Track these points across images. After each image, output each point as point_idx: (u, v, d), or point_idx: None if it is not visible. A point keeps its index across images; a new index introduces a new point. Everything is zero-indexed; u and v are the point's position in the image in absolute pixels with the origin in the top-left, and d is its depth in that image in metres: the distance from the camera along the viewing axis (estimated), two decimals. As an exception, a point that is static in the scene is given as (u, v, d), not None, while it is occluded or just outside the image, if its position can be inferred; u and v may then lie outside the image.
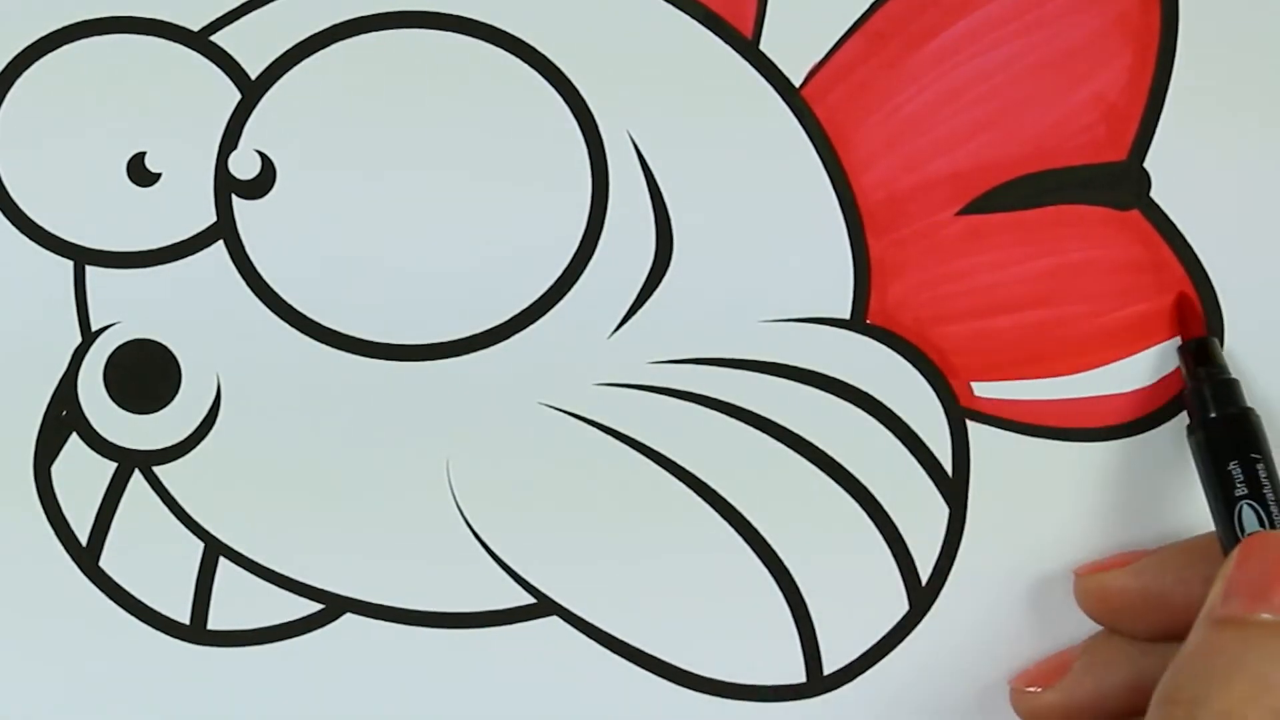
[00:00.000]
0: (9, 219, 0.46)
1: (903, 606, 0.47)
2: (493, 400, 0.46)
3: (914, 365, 0.46)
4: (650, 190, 0.46)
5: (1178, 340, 0.46)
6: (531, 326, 0.46)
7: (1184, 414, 0.46)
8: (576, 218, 0.46)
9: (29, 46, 0.46)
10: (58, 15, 0.46)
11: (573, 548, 0.46)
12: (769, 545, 0.46)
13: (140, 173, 0.46)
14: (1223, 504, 0.42)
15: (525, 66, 0.46)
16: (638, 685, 0.47)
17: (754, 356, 0.47)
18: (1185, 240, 0.46)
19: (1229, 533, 0.42)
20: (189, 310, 0.46)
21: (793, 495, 0.46)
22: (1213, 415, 0.44)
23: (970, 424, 0.47)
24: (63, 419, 0.47)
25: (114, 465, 0.47)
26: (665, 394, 0.47)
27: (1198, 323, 0.46)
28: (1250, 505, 0.42)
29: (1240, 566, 0.39)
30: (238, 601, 0.47)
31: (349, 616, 0.47)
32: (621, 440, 0.47)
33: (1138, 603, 0.44)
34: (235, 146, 0.46)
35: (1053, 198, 0.46)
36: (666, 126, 0.46)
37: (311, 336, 0.46)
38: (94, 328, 0.46)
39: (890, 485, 0.47)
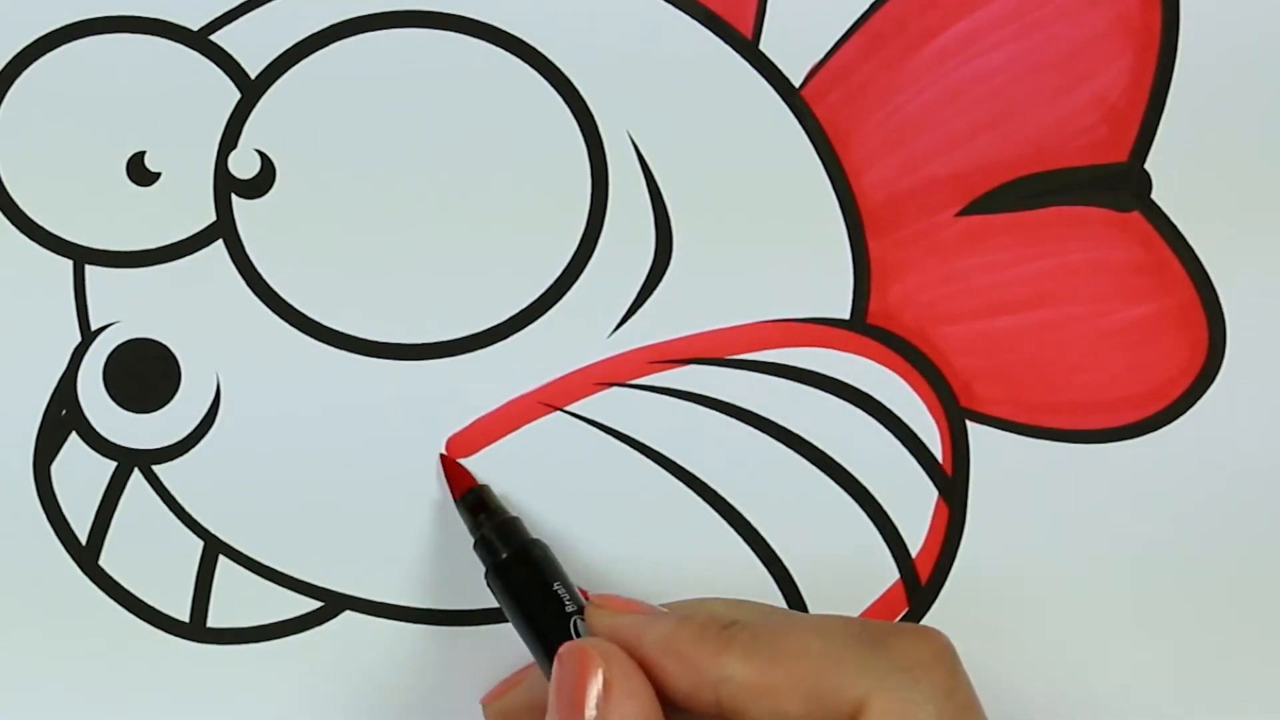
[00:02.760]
0: (9, 219, 0.46)
1: (903, 606, 0.47)
2: (493, 400, 0.46)
3: (914, 365, 0.46)
4: (650, 190, 0.46)
5: (1178, 339, 0.46)
6: (531, 326, 0.46)
7: (1185, 414, 0.46)
8: (576, 218, 0.46)
9: (29, 46, 0.46)
10: (58, 15, 0.46)
11: (573, 547, 0.47)
12: (768, 545, 0.47)
13: (140, 173, 0.46)
14: (551, 624, 0.42)
15: (525, 66, 0.46)
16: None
17: (754, 356, 0.47)
18: (1186, 242, 0.46)
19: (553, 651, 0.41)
20: (189, 310, 0.46)
21: (792, 495, 0.46)
22: (505, 556, 0.44)
23: (970, 424, 0.47)
24: (62, 418, 0.47)
25: (114, 464, 0.47)
26: (665, 394, 0.47)
27: (466, 478, 0.46)
28: (581, 620, 0.42)
29: (556, 679, 0.40)
30: (237, 599, 0.47)
31: (348, 614, 0.47)
32: (621, 440, 0.47)
33: (535, 716, 0.44)
34: (235, 146, 0.46)
35: (1053, 199, 0.46)
36: (666, 126, 0.46)
37: (311, 336, 0.46)
38: (94, 327, 0.46)
39: (890, 485, 0.47)
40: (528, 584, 0.43)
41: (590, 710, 0.39)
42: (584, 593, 0.42)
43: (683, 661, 0.39)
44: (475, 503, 0.45)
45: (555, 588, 0.42)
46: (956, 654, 0.39)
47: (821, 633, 0.39)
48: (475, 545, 0.45)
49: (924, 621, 0.47)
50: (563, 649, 0.40)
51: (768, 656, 0.38)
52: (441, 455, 0.46)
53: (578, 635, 0.41)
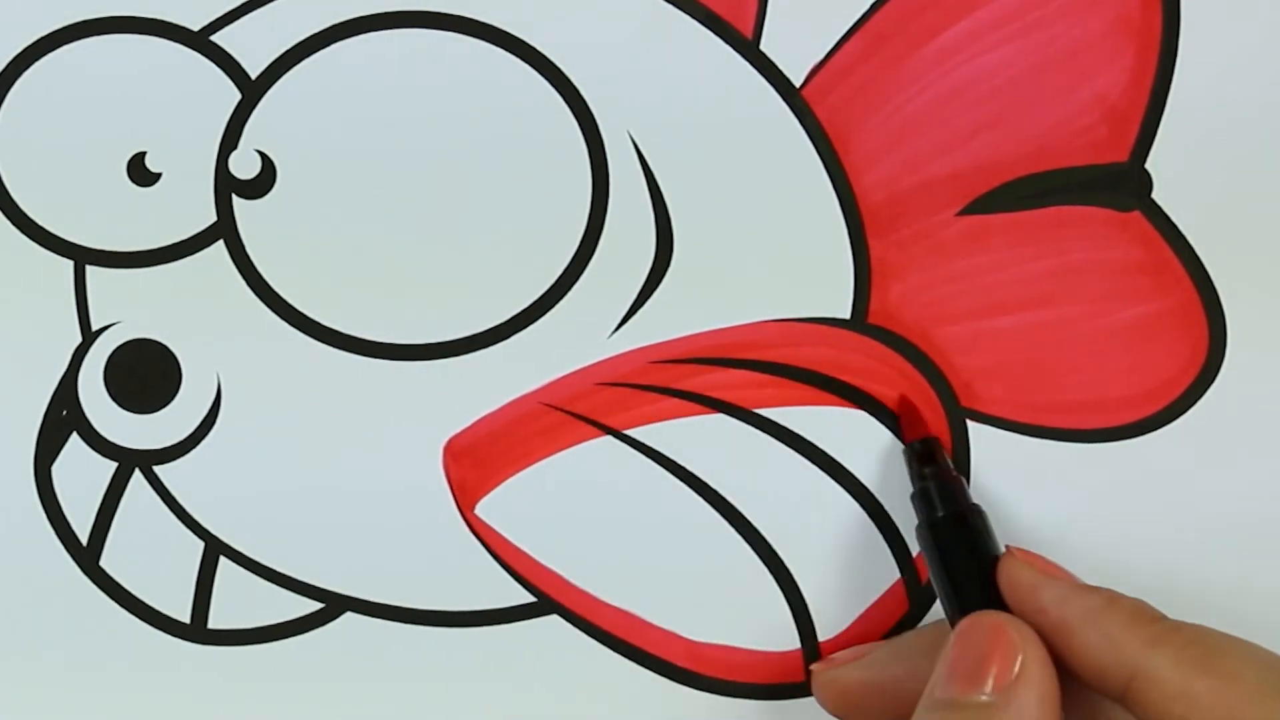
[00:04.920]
0: (9, 219, 0.46)
1: (903, 606, 0.47)
2: (493, 400, 0.46)
3: (914, 365, 0.46)
4: (650, 190, 0.46)
5: (1178, 339, 0.46)
6: (531, 326, 0.46)
7: (1185, 414, 0.46)
8: (576, 218, 0.46)
9: (29, 47, 0.46)
10: (58, 16, 0.46)
11: (573, 547, 0.47)
12: (768, 544, 0.47)
13: (140, 173, 0.46)
14: (974, 593, 0.42)
15: (525, 66, 0.46)
16: (638, 683, 0.47)
17: (753, 356, 0.47)
18: (1187, 242, 0.46)
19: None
20: (189, 310, 0.46)
21: (792, 495, 0.46)
22: (941, 515, 0.44)
23: (970, 424, 0.47)
24: (63, 419, 0.47)
25: (114, 465, 0.47)
26: (665, 394, 0.47)
27: (921, 425, 0.46)
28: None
29: (957, 649, 0.40)
30: (238, 600, 0.47)
31: (349, 615, 0.47)
32: (621, 440, 0.47)
33: (874, 695, 0.44)
34: (235, 146, 0.46)
35: (1054, 198, 0.46)
36: (666, 126, 0.46)
37: (311, 336, 0.46)
38: (94, 328, 0.46)
39: (890, 485, 0.47)
40: (960, 548, 0.43)
41: (987, 688, 0.39)
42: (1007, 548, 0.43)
43: (1108, 641, 0.39)
44: (924, 453, 0.45)
45: (977, 558, 0.42)
46: None
47: (1262, 665, 0.38)
48: (912, 496, 0.45)
49: (923, 623, 0.47)
50: (974, 618, 0.40)
51: (1200, 667, 0.38)
52: (902, 396, 0.46)
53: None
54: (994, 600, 0.42)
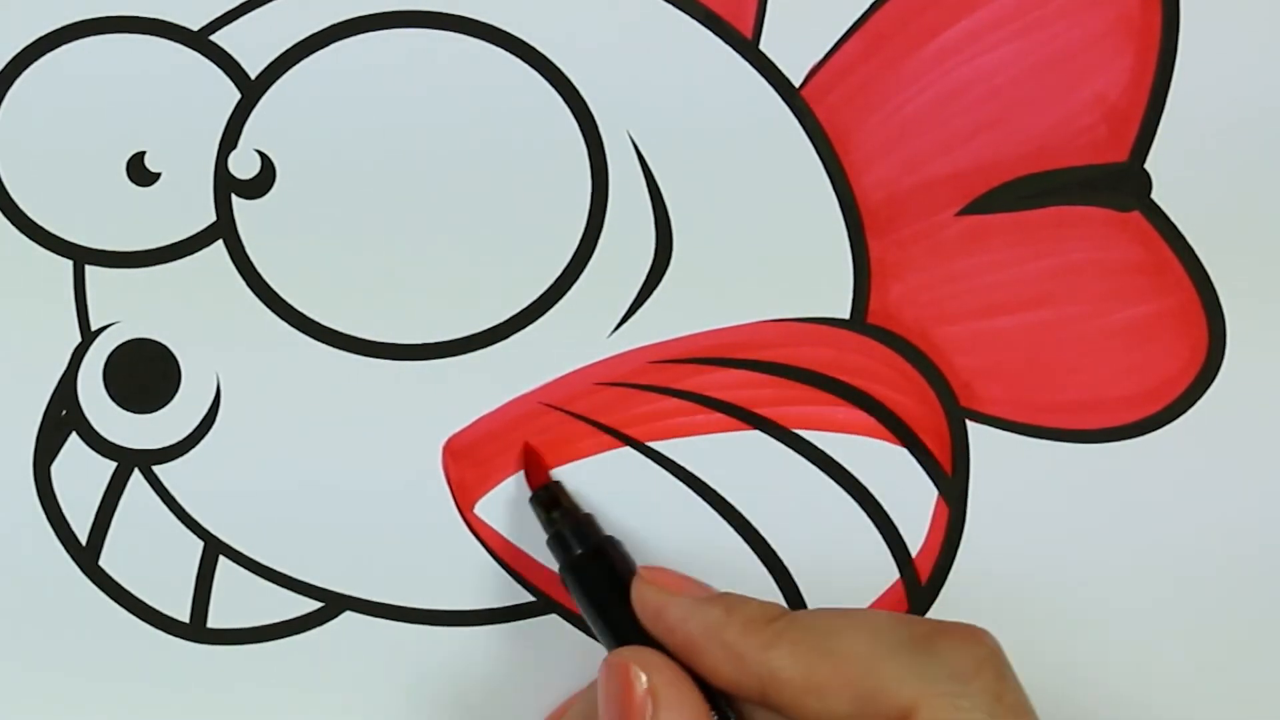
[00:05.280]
0: (9, 219, 0.46)
1: (902, 607, 0.47)
2: (493, 400, 0.46)
3: (914, 365, 0.46)
4: (650, 190, 0.46)
5: (1178, 339, 0.46)
6: (531, 326, 0.46)
7: (1185, 414, 0.46)
8: (576, 218, 0.46)
9: (29, 46, 0.46)
10: (58, 15, 0.46)
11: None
12: (768, 544, 0.47)
13: (140, 173, 0.46)
14: (625, 623, 0.42)
15: (525, 66, 0.46)
16: (638, 683, 0.47)
17: (753, 356, 0.47)
18: (1186, 242, 0.46)
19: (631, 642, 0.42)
20: (189, 310, 0.46)
21: (792, 495, 0.46)
22: (579, 553, 0.44)
23: (970, 424, 0.47)
24: (63, 418, 0.47)
25: (114, 465, 0.47)
26: (665, 393, 0.47)
27: (541, 472, 0.46)
28: None
29: (602, 697, 0.40)
30: (237, 600, 0.47)
31: (348, 614, 0.47)
32: (621, 439, 0.47)
33: None
34: (235, 146, 0.46)
35: (1053, 198, 0.46)
36: (666, 126, 0.46)
37: (311, 336, 0.46)
38: (94, 327, 0.46)
39: (890, 485, 0.47)
40: (601, 581, 0.43)
41: None
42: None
43: (729, 651, 0.39)
44: (549, 499, 0.45)
45: (621, 588, 0.42)
46: (1004, 656, 0.39)
47: (872, 632, 0.39)
48: (548, 541, 0.45)
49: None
50: (606, 660, 0.41)
51: (816, 654, 0.38)
52: (526, 445, 0.46)
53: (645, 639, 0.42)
54: (637, 627, 0.42)
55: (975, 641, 0.39)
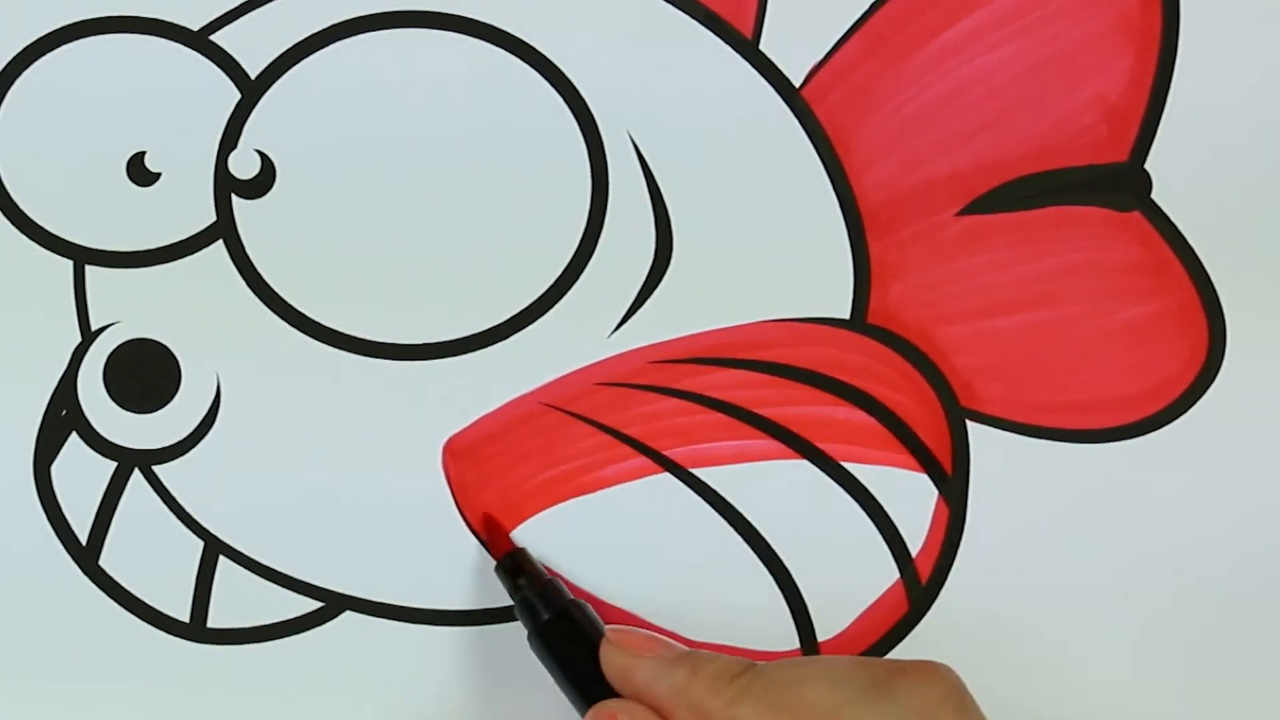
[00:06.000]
0: (9, 219, 0.46)
1: (902, 606, 0.47)
2: (493, 400, 0.46)
3: (914, 365, 0.46)
4: (650, 190, 0.46)
5: (1178, 339, 0.46)
6: (531, 326, 0.46)
7: (1185, 414, 0.46)
8: (576, 218, 0.46)
9: (29, 46, 0.46)
10: (58, 15, 0.46)
11: (573, 547, 0.47)
12: (768, 544, 0.47)
13: (140, 173, 0.46)
14: (594, 686, 0.43)
15: (525, 66, 0.46)
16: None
17: (753, 356, 0.47)
18: (1186, 242, 0.46)
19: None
20: (189, 310, 0.46)
21: (792, 495, 0.46)
22: (546, 619, 0.44)
23: (970, 424, 0.47)
24: (63, 418, 0.47)
25: (114, 465, 0.47)
26: (665, 394, 0.47)
27: (503, 539, 0.46)
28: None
29: None
30: (237, 600, 0.47)
31: (348, 614, 0.47)
32: (622, 439, 0.47)
33: None
34: (235, 146, 0.46)
35: (1053, 199, 0.46)
36: (667, 126, 0.46)
37: (311, 336, 0.46)
38: (94, 327, 0.46)
39: (890, 485, 0.47)
40: (570, 646, 0.44)
41: None
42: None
43: (696, 712, 0.40)
44: (513, 566, 0.45)
45: (590, 651, 0.43)
46: (964, 691, 0.40)
47: (832, 681, 0.40)
48: (515, 608, 0.45)
49: (924, 622, 0.47)
50: (594, 711, 0.42)
51: (779, 708, 0.39)
52: (485, 515, 0.47)
53: None
54: (609, 688, 0.43)
55: (934, 679, 0.40)
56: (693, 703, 0.40)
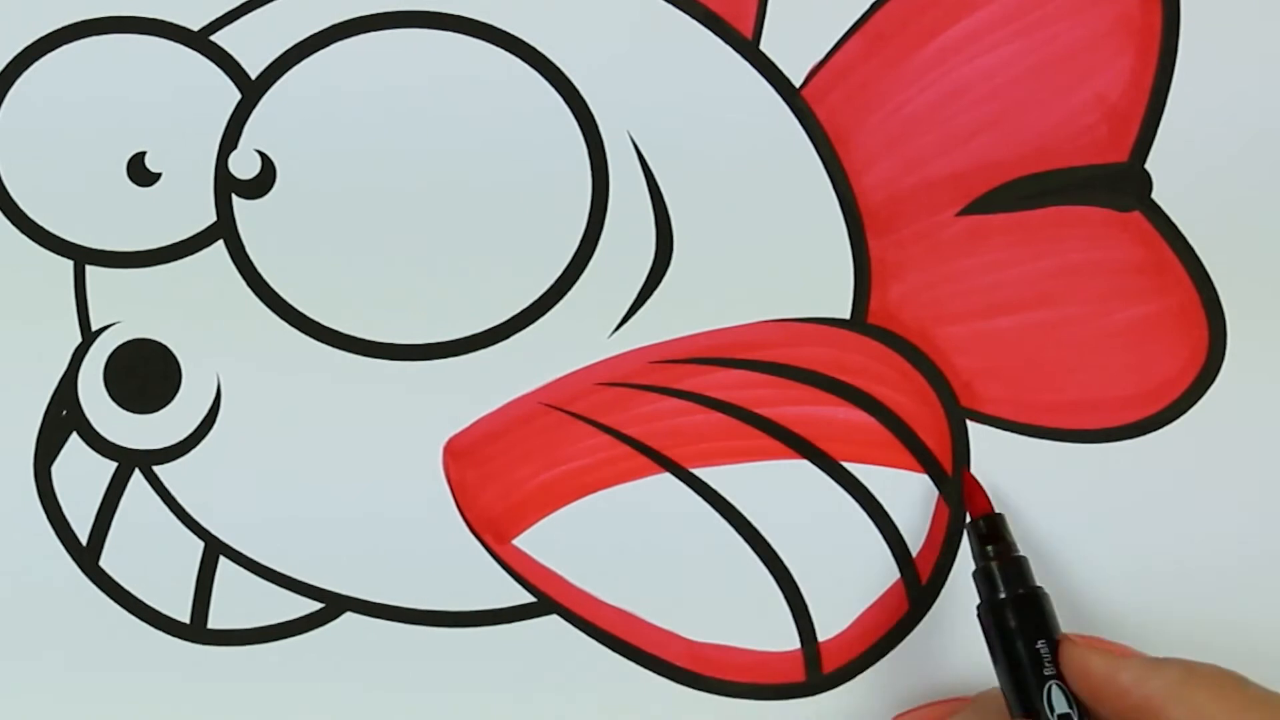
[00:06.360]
0: (9, 219, 0.46)
1: (902, 606, 0.47)
2: (493, 400, 0.46)
3: (914, 365, 0.46)
4: (650, 190, 0.46)
5: (1178, 339, 0.46)
6: (531, 326, 0.46)
7: (1185, 414, 0.46)
8: (576, 218, 0.46)
9: (29, 46, 0.46)
10: (58, 15, 0.46)
11: (572, 547, 0.46)
12: (769, 544, 0.47)
13: (140, 173, 0.46)
14: (1030, 678, 0.42)
15: (526, 67, 0.46)
16: (638, 683, 0.47)
17: (753, 356, 0.47)
18: (1186, 242, 0.46)
19: (1030, 708, 0.42)
20: (189, 310, 0.46)
21: (793, 495, 0.46)
22: (1003, 595, 0.44)
23: (970, 424, 0.47)
24: (63, 418, 0.47)
25: (114, 465, 0.47)
26: (665, 394, 0.47)
27: (984, 500, 0.46)
28: (1058, 685, 0.42)
29: None
30: (238, 600, 0.47)
31: (349, 615, 0.47)
32: (622, 439, 0.47)
33: None
34: (235, 146, 0.46)
35: (1054, 198, 0.46)
36: (666, 126, 0.46)
37: (311, 336, 0.46)
38: (94, 327, 0.46)
39: (890, 485, 0.47)
40: (1019, 630, 0.43)
41: None
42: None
43: (1198, 713, 0.39)
44: (989, 531, 0.45)
45: (1038, 646, 0.43)
46: None
47: None
48: (974, 574, 0.44)
49: (924, 622, 0.47)
50: None
51: None
52: (964, 471, 0.46)
53: (1050, 702, 0.42)
54: (1053, 682, 0.42)
55: None
56: (1195, 703, 0.39)
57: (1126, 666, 0.41)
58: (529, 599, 0.47)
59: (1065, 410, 0.46)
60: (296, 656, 0.47)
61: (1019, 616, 0.43)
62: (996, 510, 0.45)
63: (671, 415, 0.47)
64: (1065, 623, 0.46)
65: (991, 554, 0.44)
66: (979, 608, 0.44)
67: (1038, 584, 0.44)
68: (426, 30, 0.46)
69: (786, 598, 0.47)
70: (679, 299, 0.46)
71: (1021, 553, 0.44)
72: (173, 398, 0.46)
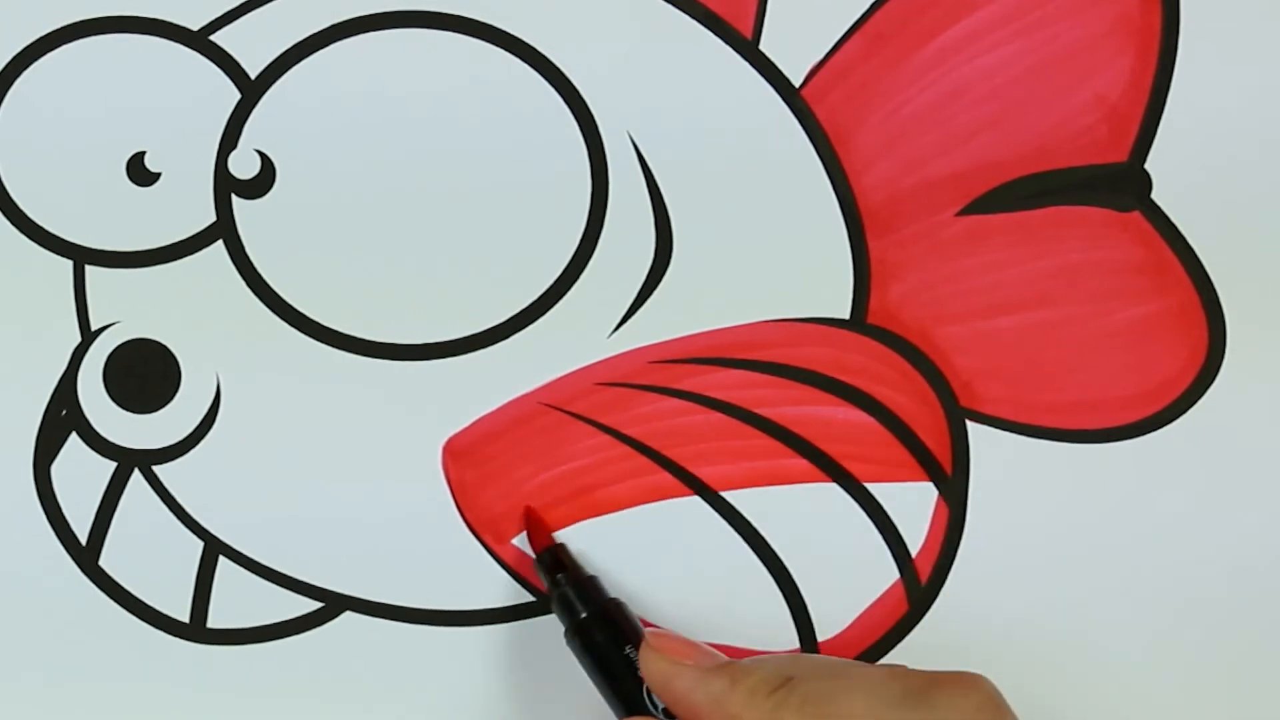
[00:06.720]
0: (9, 219, 0.46)
1: (902, 606, 0.47)
2: (493, 400, 0.46)
3: (914, 365, 0.46)
4: (650, 190, 0.46)
5: (1178, 339, 0.46)
6: (531, 326, 0.46)
7: (1185, 414, 0.46)
8: (576, 218, 0.46)
9: (29, 46, 0.46)
10: (58, 15, 0.46)
11: (572, 546, 0.46)
12: (768, 545, 0.47)
13: (140, 173, 0.46)
14: (629, 687, 0.43)
15: (525, 67, 0.46)
16: (637, 683, 0.47)
17: (753, 356, 0.47)
18: (1186, 242, 0.46)
19: (636, 710, 0.43)
20: (189, 310, 0.46)
21: (792, 495, 0.46)
22: (583, 616, 0.44)
23: (970, 424, 0.47)
24: (63, 418, 0.47)
25: (114, 465, 0.47)
26: (665, 394, 0.47)
27: (544, 533, 0.46)
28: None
29: None
30: (237, 600, 0.47)
31: (348, 614, 0.47)
32: (622, 439, 0.47)
33: None
34: (235, 146, 0.46)
35: (1053, 199, 0.46)
36: (666, 127, 0.46)
37: (311, 336, 0.46)
38: (94, 327, 0.46)
39: (890, 485, 0.47)
40: (606, 644, 0.44)
41: None
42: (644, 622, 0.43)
43: None
44: (553, 561, 0.45)
45: (627, 651, 0.43)
46: (1000, 699, 0.40)
47: (868, 693, 0.40)
48: (553, 604, 0.45)
49: (924, 622, 0.47)
50: None
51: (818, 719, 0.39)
52: (527, 508, 0.46)
53: (652, 702, 0.43)
54: (644, 690, 0.43)
55: (970, 689, 0.40)
56: (730, 714, 0.40)
57: (682, 675, 0.42)
58: (529, 599, 0.47)
59: (1065, 410, 0.46)
60: (296, 656, 0.47)
61: (603, 629, 0.44)
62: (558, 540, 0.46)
63: (671, 415, 0.47)
64: (1065, 622, 0.46)
65: (563, 581, 0.45)
66: (565, 634, 0.44)
67: (614, 596, 0.44)
68: (426, 30, 0.46)
69: (786, 598, 0.47)
70: (679, 299, 0.46)
71: (591, 573, 0.45)
72: (172, 397, 0.46)
